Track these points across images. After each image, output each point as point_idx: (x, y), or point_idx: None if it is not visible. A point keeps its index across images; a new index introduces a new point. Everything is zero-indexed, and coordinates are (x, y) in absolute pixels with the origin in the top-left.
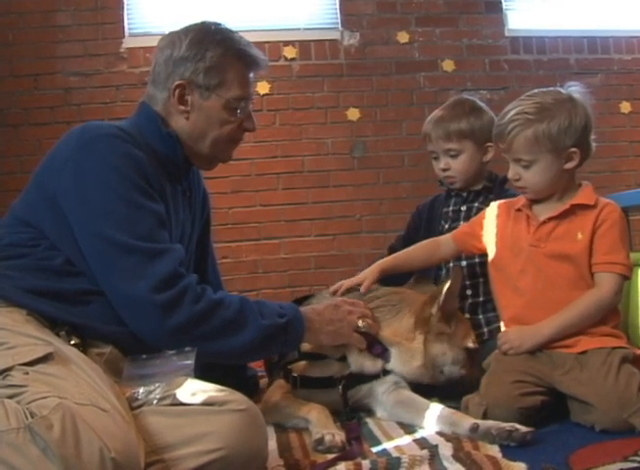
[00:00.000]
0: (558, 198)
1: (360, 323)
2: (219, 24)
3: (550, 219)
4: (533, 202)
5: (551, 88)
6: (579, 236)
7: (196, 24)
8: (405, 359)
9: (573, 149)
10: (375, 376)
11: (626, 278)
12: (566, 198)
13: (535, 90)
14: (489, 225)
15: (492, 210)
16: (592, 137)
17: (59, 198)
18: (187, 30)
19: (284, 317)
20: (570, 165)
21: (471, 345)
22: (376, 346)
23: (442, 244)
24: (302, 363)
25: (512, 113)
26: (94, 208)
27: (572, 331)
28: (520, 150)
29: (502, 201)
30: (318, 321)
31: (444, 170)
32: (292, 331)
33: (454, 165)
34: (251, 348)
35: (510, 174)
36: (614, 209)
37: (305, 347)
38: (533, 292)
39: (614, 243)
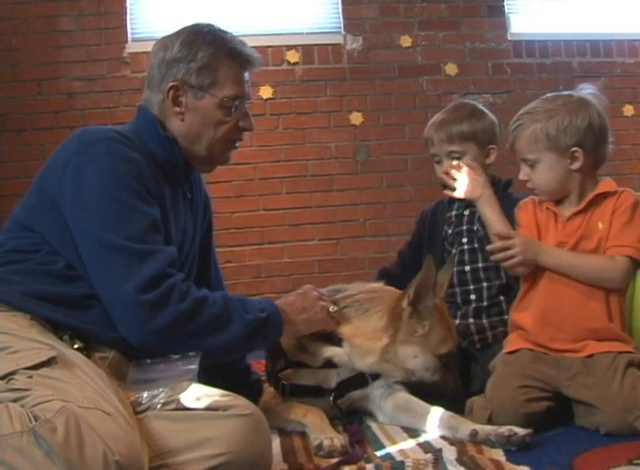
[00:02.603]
0: (579, 196)
1: (331, 308)
2: (211, 26)
3: (576, 214)
4: (557, 201)
5: (565, 92)
6: (600, 226)
7: (188, 27)
8: (357, 356)
9: (575, 148)
10: (362, 383)
11: (636, 261)
12: (588, 193)
13: (549, 94)
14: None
15: (520, 210)
16: (610, 140)
17: (58, 201)
18: (179, 33)
19: (264, 312)
20: (575, 166)
21: (444, 351)
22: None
23: None
24: (290, 371)
25: (519, 114)
26: (89, 209)
27: (567, 273)
28: (523, 149)
29: (526, 199)
30: (291, 312)
31: (447, 173)
32: (272, 325)
33: None
34: (237, 343)
35: (520, 175)
36: (629, 195)
37: (292, 355)
38: (553, 286)
39: (624, 226)
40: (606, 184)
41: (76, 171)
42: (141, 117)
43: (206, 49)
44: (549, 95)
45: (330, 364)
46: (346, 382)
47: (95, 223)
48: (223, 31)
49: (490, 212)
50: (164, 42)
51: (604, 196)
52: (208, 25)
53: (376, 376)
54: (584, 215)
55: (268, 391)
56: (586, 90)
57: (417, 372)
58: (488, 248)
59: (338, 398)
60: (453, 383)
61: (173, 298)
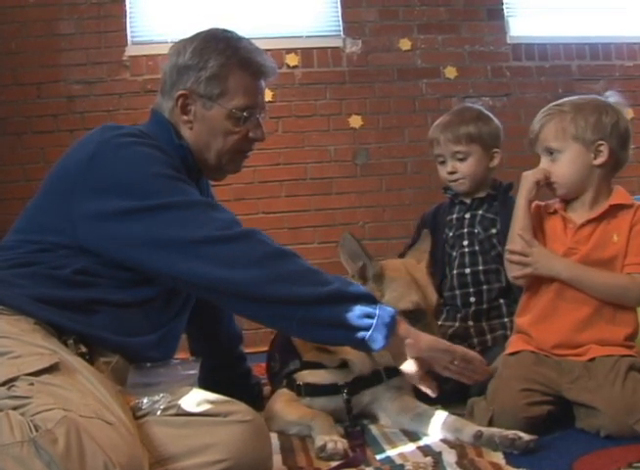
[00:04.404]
0: (592, 200)
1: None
2: (227, 32)
3: (589, 222)
4: (567, 204)
5: (593, 96)
6: (615, 238)
7: (203, 32)
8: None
9: (601, 142)
10: (379, 380)
11: None
12: (602, 200)
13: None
14: None
15: None
16: (631, 146)
17: (87, 197)
18: (193, 38)
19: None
20: (599, 161)
21: (403, 307)
22: None
23: None
24: (306, 372)
25: (546, 107)
26: (139, 191)
27: (584, 290)
28: (548, 137)
29: (532, 204)
30: (416, 340)
31: (451, 173)
32: (381, 312)
33: (461, 169)
34: (336, 301)
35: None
36: None
37: (309, 356)
38: (561, 295)
39: None
40: (620, 194)
41: (109, 162)
42: (155, 120)
43: (217, 58)
44: (576, 97)
45: (346, 364)
46: (362, 378)
47: (151, 198)
48: (239, 38)
49: (523, 209)
50: (178, 47)
51: (619, 207)
52: (224, 32)
53: (391, 373)
54: (597, 224)
55: (280, 392)
56: (612, 98)
57: None
58: (509, 247)
59: (351, 394)
60: None
61: (263, 236)
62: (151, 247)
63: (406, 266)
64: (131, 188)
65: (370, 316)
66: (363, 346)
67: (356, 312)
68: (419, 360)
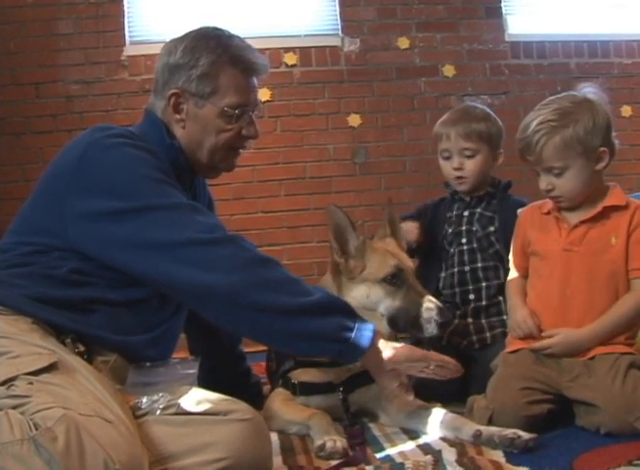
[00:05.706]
0: (589, 201)
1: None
2: (218, 30)
3: (583, 223)
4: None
5: (564, 93)
6: (613, 240)
7: (193, 31)
8: None
9: (602, 148)
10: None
11: None
12: (597, 200)
13: (551, 97)
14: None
15: (519, 219)
16: (614, 134)
17: (76, 197)
18: (183, 37)
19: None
20: (600, 166)
21: (383, 274)
22: None
23: (523, 279)
24: (301, 370)
25: (534, 123)
26: (126, 192)
27: (612, 337)
28: (550, 158)
29: (526, 207)
30: (394, 355)
31: (457, 170)
32: (359, 323)
33: (468, 166)
34: (314, 312)
35: (542, 185)
36: None
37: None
38: (562, 297)
39: None
40: (616, 195)
41: (97, 163)
42: (148, 120)
43: (208, 56)
44: (552, 98)
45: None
46: (356, 376)
47: (137, 199)
48: (230, 36)
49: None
50: (169, 46)
51: (613, 209)
52: (215, 30)
53: None
54: (591, 225)
55: (277, 391)
56: (587, 89)
57: (379, 308)
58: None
59: (347, 392)
60: (420, 299)
61: (246, 242)
62: (134, 247)
63: (381, 244)
64: (118, 189)
65: (348, 329)
66: (339, 358)
67: (335, 325)
68: (395, 371)
